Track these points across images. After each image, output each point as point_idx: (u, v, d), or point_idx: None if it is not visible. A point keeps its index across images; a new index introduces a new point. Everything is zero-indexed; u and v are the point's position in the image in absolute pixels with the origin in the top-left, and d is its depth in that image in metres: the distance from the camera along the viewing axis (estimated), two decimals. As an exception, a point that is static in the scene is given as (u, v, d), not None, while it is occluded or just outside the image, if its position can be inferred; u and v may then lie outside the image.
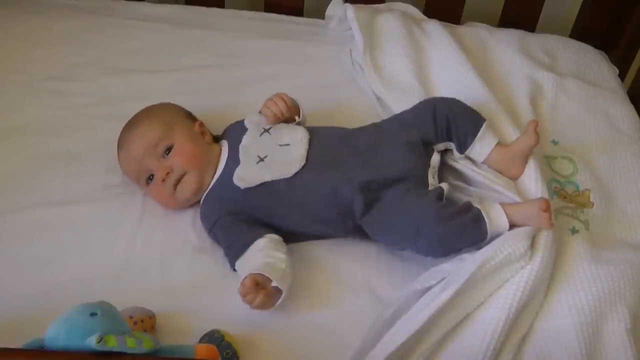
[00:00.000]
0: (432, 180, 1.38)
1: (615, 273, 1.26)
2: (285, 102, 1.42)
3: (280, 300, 1.23)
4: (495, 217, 1.25)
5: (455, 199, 1.38)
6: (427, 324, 1.16)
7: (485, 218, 1.25)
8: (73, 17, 1.81)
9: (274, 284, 1.21)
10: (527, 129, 1.39)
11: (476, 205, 1.28)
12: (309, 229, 1.35)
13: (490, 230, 1.25)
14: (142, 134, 1.38)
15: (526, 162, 1.39)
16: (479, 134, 1.39)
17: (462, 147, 1.40)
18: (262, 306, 1.20)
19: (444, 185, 1.33)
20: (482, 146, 1.40)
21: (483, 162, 1.41)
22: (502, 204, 1.29)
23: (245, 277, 1.20)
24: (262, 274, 1.21)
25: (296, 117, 1.46)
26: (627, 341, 1.20)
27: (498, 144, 1.40)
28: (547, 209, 1.24)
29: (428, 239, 1.25)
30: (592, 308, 1.22)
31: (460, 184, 1.42)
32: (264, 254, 1.26)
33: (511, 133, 1.45)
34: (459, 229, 1.24)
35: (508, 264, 1.22)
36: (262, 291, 1.20)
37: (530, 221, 1.26)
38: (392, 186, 1.31)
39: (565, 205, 1.44)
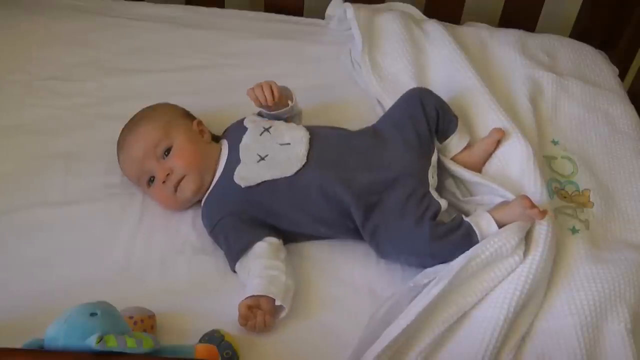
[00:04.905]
0: (432, 180, 1.38)
1: (615, 273, 1.26)
2: (272, 92, 1.40)
3: (282, 315, 1.23)
4: (486, 227, 1.27)
5: (450, 203, 1.38)
6: (421, 316, 1.16)
7: (476, 230, 1.26)
8: (73, 17, 1.81)
9: (277, 303, 1.21)
10: (490, 134, 1.46)
11: (466, 219, 1.29)
12: (309, 229, 1.35)
13: (481, 241, 1.26)
14: (141, 135, 1.38)
15: (484, 164, 1.45)
16: (458, 127, 1.44)
17: (442, 139, 1.45)
18: (266, 326, 1.20)
19: (443, 203, 1.33)
20: (459, 139, 1.45)
21: (453, 157, 1.46)
22: (491, 211, 1.30)
23: (240, 305, 1.20)
24: (259, 296, 1.21)
25: (289, 102, 1.45)
26: (627, 341, 1.20)
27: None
28: (530, 205, 1.25)
29: (421, 257, 1.28)
30: (592, 308, 1.22)
31: (455, 191, 1.43)
32: (264, 264, 1.25)
33: (512, 134, 1.45)
34: (451, 246, 1.26)
35: (500, 259, 1.23)
36: (259, 312, 1.20)
37: (521, 219, 1.27)
38: (394, 187, 1.32)
39: (565, 205, 1.44)
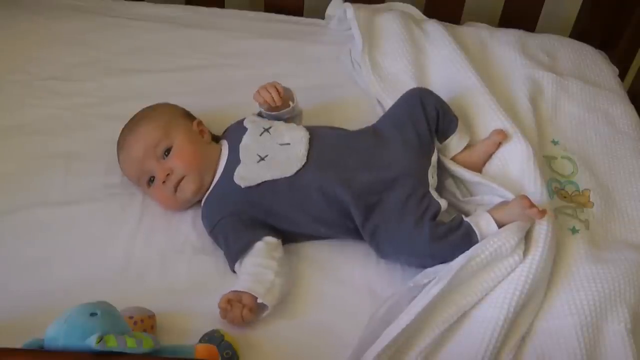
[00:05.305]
0: (432, 180, 1.38)
1: (615, 273, 1.26)
2: (278, 91, 1.41)
3: (266, 313, 1.23)
4: (485, 227, 1.27)
5: (450, 203, 1.39)
6: (421, 316, 1.16)
7: (476, 230, 1.26)
8: (73, 17, 1.81)
9: (259, 300, 1.21)
10: (491, 135, 1.46)
11: (466, 219, 1.29)
12: (309, 229, 1.35)
13: (481, 240, 1.26)
14: (141, 135, 1.38)
15: (484, 164, 1.46)
16: (458, 127, 1.45)
17: (442, 139, 1.45)
18: (244, 320, 1.20)
19: (443, 203, 1.33)
20: (459, 139, 1.45)
21: (453, 157, 1.46)
22: (490, 211, 1.30)
23: (221, 298, 1.21)
24: (242, 292, 1.21)
25: (290, 103, 1.45)
26: (627, 341, 1.20)
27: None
28: (529, 205, 1.25)
29: (421, 258, 1.28)
30: (592, 308, 1.22)
31: (455, 191, 1.43)
32: (256, 262, 1.26)
33: (512, 134, 1.45)
34: (451, 246, 1.26)
35: (500, 259, 1.23)
36: (237, 306, 1.20)
37: (520, 219, 1.27)
38: (394, 187, 1.32)
39: (565, 205, 1.44)
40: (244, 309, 1.20)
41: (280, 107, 1.43)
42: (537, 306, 1.24)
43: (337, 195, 1.31)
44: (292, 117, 1.48)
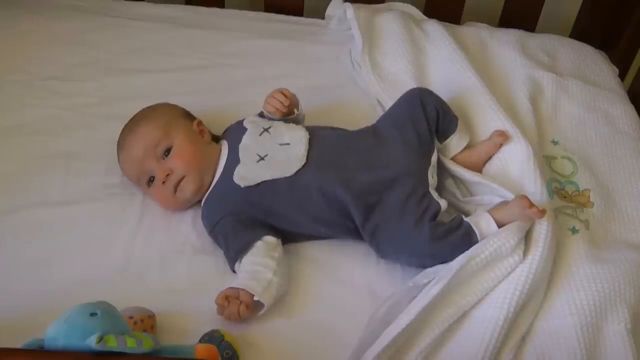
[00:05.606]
0: (432, 180, 1.38)
1: (615, 273, 1.27)
2: (285, 94, 1.43)
3: (262, 311, 1.23)
4: (485, 227, 1.27)
5: (450, 203, 1.38)
6: (421, 316, 1.16)
7: (476, 230, 1.26)
8: (73, 17, 1.81)
9: (255, 298, 1.21)
10: (492, 136, 1.46)
11: (466, 219, 1.29)
12: (309, 229, 1.35)
13: (481, 241, 1.26)
14: (141, 135, 1.38)
15: (484, 165, 1.46)
16: (458, 127, 1.44)
17: (442, 139, 1.45)
18: (240, 316, 1.20)
19: (443, 203, 1.33)
20: (459, 139, 1.45)
21: (452, 157, 1.46)
22: (490, 211, 1.30)
23: (218, 295, 1.21)
24: (239, 288, 1.21)
25: (295, 110, 1.46)
26: (627, 341, 1.20)
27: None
28: (529, 205, 1.25)
29: (421, 258, 1.29)
30: (592, 308, 1.22)
31: (455, 191, 1.43)
32: (255, 260, 1.26)
33: (512, 134, 1.45)
34: (451, 246, 1.26)
35: (499, 259, 1.23)
36: (234, 301, 1.20)
37: (520, 219, 1.27)
38: (394, 187, 1.32)
39: (565, 205, 1.44)
40: (241, 306, 1.20)
41: (285, 115, 1.44)
42: (537, 306, 1.24)
43: (337, 195, 1.31)
44: (295, 121, 1.48)
